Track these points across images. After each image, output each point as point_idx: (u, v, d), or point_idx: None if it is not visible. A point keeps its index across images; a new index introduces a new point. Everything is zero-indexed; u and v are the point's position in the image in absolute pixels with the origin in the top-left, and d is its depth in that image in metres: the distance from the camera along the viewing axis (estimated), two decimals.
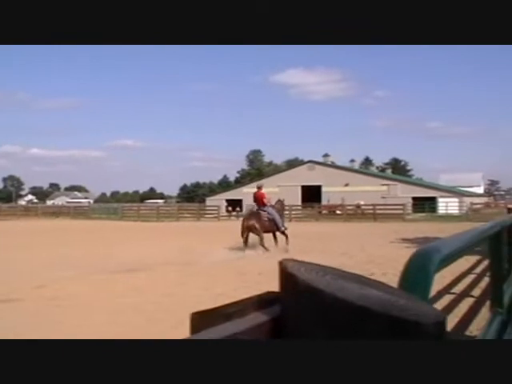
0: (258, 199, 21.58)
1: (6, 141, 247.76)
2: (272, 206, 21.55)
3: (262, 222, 20.29)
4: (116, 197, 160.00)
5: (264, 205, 21.30)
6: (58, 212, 65.87)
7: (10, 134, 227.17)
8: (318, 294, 0.68)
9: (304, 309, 0.70)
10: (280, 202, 22.63)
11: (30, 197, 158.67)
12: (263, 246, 19.59)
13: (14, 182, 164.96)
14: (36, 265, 15.35)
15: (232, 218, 53.60)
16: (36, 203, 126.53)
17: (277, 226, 20.68)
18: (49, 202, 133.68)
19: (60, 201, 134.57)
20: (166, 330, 7.43)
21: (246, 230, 20.18)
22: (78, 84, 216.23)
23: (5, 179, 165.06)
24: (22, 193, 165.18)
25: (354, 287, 0.72)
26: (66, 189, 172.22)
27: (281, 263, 0.78)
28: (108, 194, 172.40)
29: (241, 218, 41.73)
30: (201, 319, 0.75)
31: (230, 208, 61.29)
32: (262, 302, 0.80)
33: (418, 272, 1.20)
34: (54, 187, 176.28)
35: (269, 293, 0.83)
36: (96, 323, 8.21)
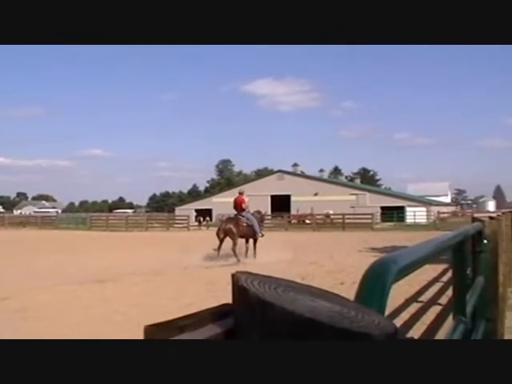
0: (238, 204, 21.52)
1: None
2: (252, 214, 21.59)
3: (239, 227, 20.38)
4: (84, 206, 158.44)
5: (242, 210, 21.25)
6: (25, 222, 65.04)
7: None
8: (267, 306, 0.69)
9: (255, 321, 0.71)
10: (259, 212, 22.75)
11: None
12: (235, 251, 19.65)
13: None
14: (1, 276, 15.11)
15: (202, 227, 53.38)
16: (3, 213, 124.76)
17: (254, 232, 20.71)
18: (16, 212, 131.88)
19: (27, 210, 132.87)
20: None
21: (223, 232, 20.28)
22: (43, 93, 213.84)
23: None
24: None
25: (305, 299, 0.74)
26: (34, 198, 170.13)
27: (233, 276, 0.79)
28: (76, 203, 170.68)
29: (211, 228, 41.72)
30: (155, 331, 0.76)
31: (200, 218, 61.12)
32: (217, 314, 0.81)
33: (374, 283, 1.22)
34: (22, 196, 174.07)
35: (224, 305, 0.85)
36: (64, 335, 8.12)
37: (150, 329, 0.77)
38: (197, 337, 0.72)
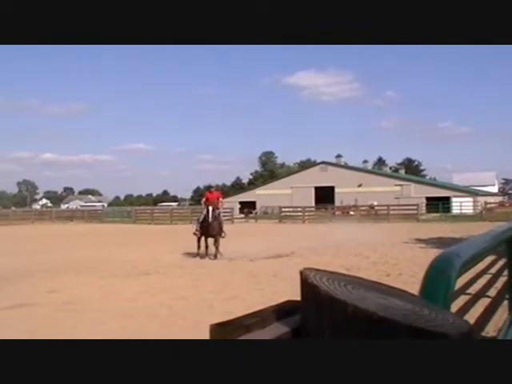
0: (215, 200, 19.80)
1: (17, 147, 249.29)
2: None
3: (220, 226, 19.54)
4: (129, 200, 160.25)
5: (217, 207, 19.58)
6: (72, 216, 66.13)
7: (22, 140, 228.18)
8: (339, 304, 0.66)
9: (325, 319, 0.68)
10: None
11: (44, 201, 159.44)
12: (218, 249, 18.89)
13: (29, 187, 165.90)
14: (48, 269, 15.38)
15: (250, 220, 53.48)
16: (50, 207, 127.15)
17: (221, 230, 19.45)
18: (63, 206, 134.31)
19: (74, 204, 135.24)
20: (179, 334, 7.41)
21: (210, 234, 19.09)
22: (87, 89, 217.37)
23: (19, 184, 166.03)
24: (37, 197, 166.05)
25: (375, 297, 0.70)
26: (80, 192, 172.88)
27: (302, 273, 0.76)
28: (121, 197, 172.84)
29: (260, 221, 41.36)
30: (220, 331, 0.74)
31: (249, 210, 61.23)
32: (282, 311, 0.78)
33: (438, 278, 1.17)
34: (68, 191, 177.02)
35: (288, 302, 0.82)
36: (108, 328, 8.21)
37: (215, 328, 0.75)
38: (264, 336, 0.70)
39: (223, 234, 19.34)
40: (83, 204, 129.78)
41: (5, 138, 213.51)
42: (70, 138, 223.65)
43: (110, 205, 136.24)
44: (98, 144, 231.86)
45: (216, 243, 18.94)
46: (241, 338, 0.69)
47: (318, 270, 0.79)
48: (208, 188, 21.53)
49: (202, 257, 18.55)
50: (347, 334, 0.66)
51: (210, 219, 18.80)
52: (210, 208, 19.08)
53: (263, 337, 0.69)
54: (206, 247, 19.04)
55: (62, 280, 13.25)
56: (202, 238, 19.21)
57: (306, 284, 0.72)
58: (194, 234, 19.42)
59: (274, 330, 0.72)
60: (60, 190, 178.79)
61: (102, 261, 17.40)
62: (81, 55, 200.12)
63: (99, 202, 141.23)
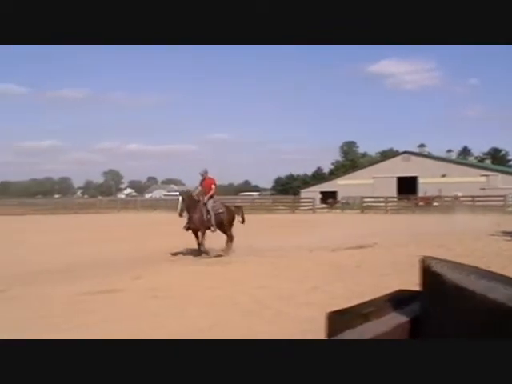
0: (207, 188, 17.41)
1: (105, 138, 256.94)
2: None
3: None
4: None
5: (212, 196, 17.43)
6: (155, 205, 67.54)
7: (108, 132, 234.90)
8: (466, 294, 0.64)
9: (449, 309, 0.66)
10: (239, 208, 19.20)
11: (128, 190, 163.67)
12: (203, 245, 16.96)
13: (114, 176, 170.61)
14: (134, 256, 15.73)
15: (335, 210, 53.14)
16: (135, 196, 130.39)
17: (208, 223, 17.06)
18: (147, 196, 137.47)
19: (157, 194, 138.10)
20: (261, 324, 7.41)
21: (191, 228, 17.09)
22: (170, 81, 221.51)
23: (105, 173, 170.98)
24: (122, 186, 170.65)
25: (499, 287, 0.67)
26: (163, 182, 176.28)
27: (423, 261, 0.74)
28: None
29: (346, 211, 40.75)
30: (337, 319, 0.72)
31: (332, 200, 60.89)
32: (396, 300, 0.76)
33: None
34: (152, 180, 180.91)
35: (400, 291, 0.80)
36: (192, 315, 8.33)
37: (333, 316, 0.73)
38: (384, 325, 0.68)
39: (212, 228, 16.87)
40: (166, 193, 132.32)
41: (92, 129, 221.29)
42: (154, 129, 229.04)
43: None
44: (181, 134, 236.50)
45: (200, 238, 16.81)
46: (360, 327, 0.67)
47: (438, 258, 0.76)
48: (203, 174, 17.51)
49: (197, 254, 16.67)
50: (474, 324, 0.63)
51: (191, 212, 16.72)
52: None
53: (383, 326, 0.67)
54: (198, 244, 16.89)
55: (148, 267, 13.55)
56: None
57: (429, 273, 0.69)
58: (184, 227, 17.13)
59: (393, 320, 0.70)
60: (144, 180, 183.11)
61: (185, 248, 17.64)
62: (163, 49, 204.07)
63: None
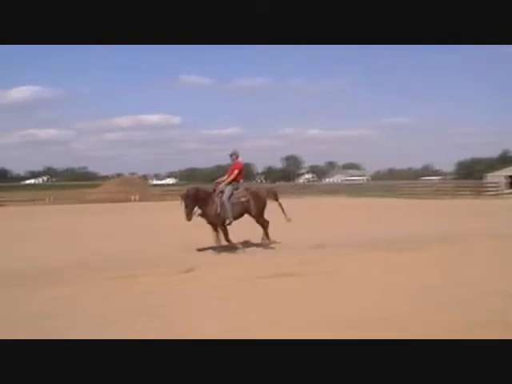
0: (231, 172, 15.17)
1: (284, 124, 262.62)
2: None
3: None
4: (391, 174, 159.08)
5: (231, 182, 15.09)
6: (334, 190, 67.71)
7: (289, 118, 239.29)
8: None
9: None
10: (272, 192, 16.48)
11: (308, 175, 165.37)
12: (229, 241, 15.02)
13: (293, 162, 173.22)
14: (309, 240, 15.65)
15: None
16: (314, 181, 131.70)
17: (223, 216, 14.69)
18: (326, 180, 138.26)
19: (337, 179, 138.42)
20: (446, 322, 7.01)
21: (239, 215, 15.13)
22: (346, 65, 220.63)
23: (287, 158, 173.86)
24: (301, 171, 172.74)
25: None
26: (343, 167, 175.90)
27: None
28: (383, 171, 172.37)
29: None
30: None
31: None
32: None
33: None
34: (331, 165, 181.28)
35: None
36: (371, 300, 8.13)
37: None
38: None
39: (227, 221, 14.66)
40: (345, 178, 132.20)
41: (273, 116, 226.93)
42: (333, 114, 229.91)
43: (371, 179, 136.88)
44: (358, 119, 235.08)
45: (224, 234, 14.96)
46: None
47: None
48: (232, 156, 15.29)
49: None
50: None
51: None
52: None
53: None
54: (226, 240, 15.00)
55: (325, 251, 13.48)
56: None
57: None
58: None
59: None
60: (323, 165, 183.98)
61: (361, 235, 17.37)
62: None
63: (361, 176, 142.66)
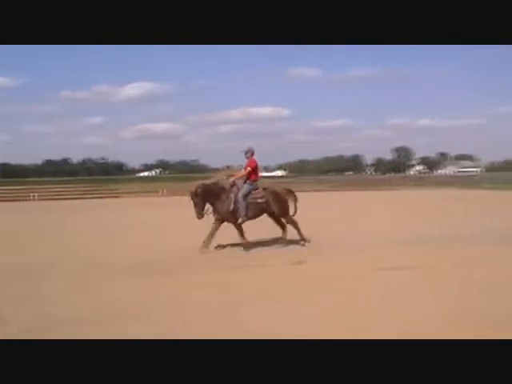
0: (246, 170, 14.32)
1: (395, 114, 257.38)
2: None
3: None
4: (508, 165, 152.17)
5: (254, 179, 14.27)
6: (447, 182, 65.86)
7: (399, 108, 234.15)
8: None
9: None
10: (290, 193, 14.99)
11: (419, 167, 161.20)
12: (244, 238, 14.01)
13: (405, 153, 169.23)
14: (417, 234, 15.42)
15: None
16: (425, 173, 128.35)
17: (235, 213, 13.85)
18: (438, 172, 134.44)
19: (449, 170, 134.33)
20: None
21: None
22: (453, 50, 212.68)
23: (397, 149, 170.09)
24: (412, 163, 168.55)
25: None
26: (456, 157, 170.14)
27: None
28: (498, 162, 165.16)
29: None
30: None
31: None
32: None
33: None
34: (443, 156, 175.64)
35: None
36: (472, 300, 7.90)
37: None
38: None
39: (240, 220, 13.79)
40: (458, 169, 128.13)
41: (382, 107, 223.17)
42: (444, 104, 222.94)
43: (487, 170, 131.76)
44: (469, 108, 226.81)
45: (239, 232, 14.02)
46: None
47: None
48: (246, 153, 14.43)
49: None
50: None
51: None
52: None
53: None
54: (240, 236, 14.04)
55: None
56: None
57: None
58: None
59: None
60: (434, 156, 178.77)
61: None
62: None
63: (475, 167, 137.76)
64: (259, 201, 13.94)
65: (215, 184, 14.05)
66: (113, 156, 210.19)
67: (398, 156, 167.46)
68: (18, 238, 17.71)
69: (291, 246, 13.95)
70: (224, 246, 13.93)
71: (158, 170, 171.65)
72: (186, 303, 7.95)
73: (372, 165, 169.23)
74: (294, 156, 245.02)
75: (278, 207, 14.19)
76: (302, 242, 14.22)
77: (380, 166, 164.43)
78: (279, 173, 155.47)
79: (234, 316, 7.09)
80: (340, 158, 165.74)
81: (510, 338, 4.70)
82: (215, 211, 13.79)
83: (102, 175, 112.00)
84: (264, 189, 14.19)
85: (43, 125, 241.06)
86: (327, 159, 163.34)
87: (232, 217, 13.72)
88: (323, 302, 7.80)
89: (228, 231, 13.97)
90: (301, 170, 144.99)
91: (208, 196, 13.71)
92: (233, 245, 14.01)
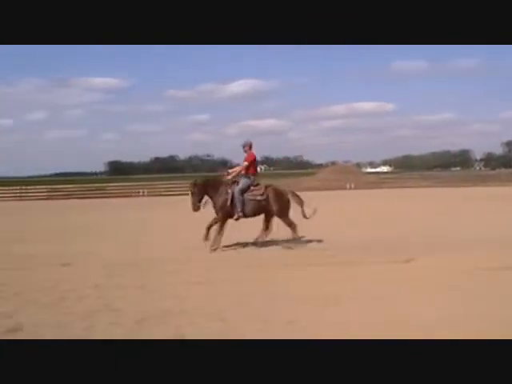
0: (250, 165, 13.84)
1: (505, 108, 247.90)
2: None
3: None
4: None
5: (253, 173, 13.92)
6: None
7: (510, 101, 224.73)
8: None
9: None
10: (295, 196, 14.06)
11: None
12: (219, 234, 13.38)
13: None
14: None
15: None
16: None
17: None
18: None
19: None
20: None
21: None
22: None
23: (508, 143, 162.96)
24: None
25: None
26: None
27: None
28: None
29: None
30: None
31: None
32: None
33: None
34: None
35: None
36: None
37: None
38: None
39: (235, 216, 13.47)
40: None
41: (492, 99, 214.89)
42: None
43: None
44: None
45: (214, 225, 13.48)
46: None
47: None
48: (244, 147, 14.01)
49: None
50: None
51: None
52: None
53: None
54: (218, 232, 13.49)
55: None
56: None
57: None
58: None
59: None
60: None
61: None
62: None
63: None
64: (259, 198, 13.49)
65: (217, 178, 14.26)
66: (218, 153, 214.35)
67: (509, 150, 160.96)
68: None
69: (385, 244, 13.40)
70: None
71: (262, 167, 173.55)
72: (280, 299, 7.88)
73: (481, 160, 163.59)
74: (399, 151, 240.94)
75: (279, 206, 13.57)
76: (288, 245, 13.28)
77: (490, 160, 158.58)
78: (384, 168, 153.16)
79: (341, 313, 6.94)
80: (447, 153, 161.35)
81: None
82: (212, 205, 13.57)
83: (207, 172, 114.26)
84: (266, 186, 13.75)
85: (151, 124, 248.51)
86: (433, 154, 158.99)
87: (226, 212, 13.38)
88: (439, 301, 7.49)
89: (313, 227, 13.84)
90: (406, 165, 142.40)
91: (207, 188, 13.59)
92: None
